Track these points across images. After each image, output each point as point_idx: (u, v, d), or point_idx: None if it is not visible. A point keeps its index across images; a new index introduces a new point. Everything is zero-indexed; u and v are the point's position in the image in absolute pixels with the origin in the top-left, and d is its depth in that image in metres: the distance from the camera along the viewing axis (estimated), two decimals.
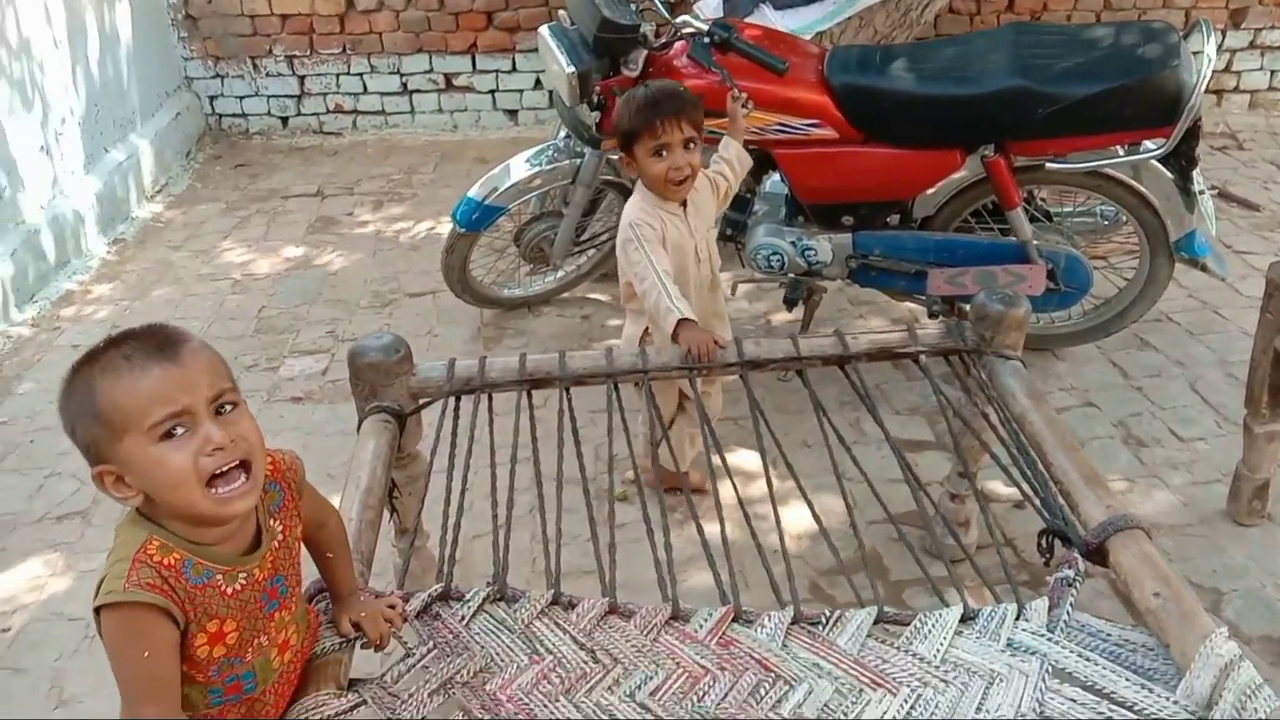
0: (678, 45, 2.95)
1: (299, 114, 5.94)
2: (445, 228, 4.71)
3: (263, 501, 1.31)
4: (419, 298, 4.15)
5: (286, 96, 5.89)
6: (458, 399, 2.09)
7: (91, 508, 2.93)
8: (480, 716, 1.38)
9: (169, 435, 1.16)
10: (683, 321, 2.18)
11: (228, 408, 1.20)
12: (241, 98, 5.90)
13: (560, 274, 3.95)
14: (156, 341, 1.18)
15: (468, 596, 1.60)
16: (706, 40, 2.80)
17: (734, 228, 3.30)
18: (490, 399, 2.10)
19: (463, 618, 1.56)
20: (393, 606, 1.53)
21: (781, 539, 1.73)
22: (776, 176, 3.20)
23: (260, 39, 5.71)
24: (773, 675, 1.45)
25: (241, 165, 5.65)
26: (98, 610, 1.19)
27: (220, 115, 5.95)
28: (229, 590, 1.26)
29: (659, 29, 2.96)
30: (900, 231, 3.19)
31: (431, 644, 1.52)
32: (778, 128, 2.96)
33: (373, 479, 1.86)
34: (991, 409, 2.06)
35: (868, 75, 2.98)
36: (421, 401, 2.13)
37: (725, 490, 1.86)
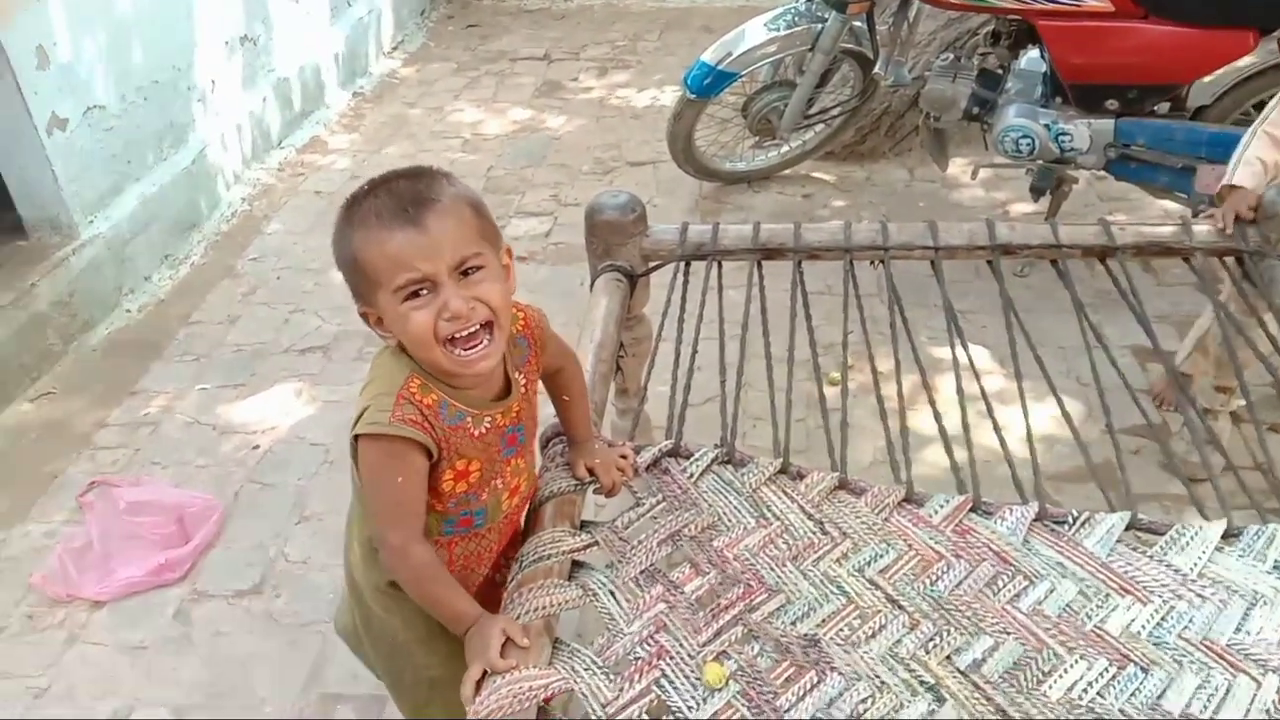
0: None
1: None
2: (668, 97, 4.68)
3: (509, 354, 1.33)
4: (639, 167, 4.14)
5: None
6: (688, 264, 2.07)
7: (332, 344, 3.11)
8: (707, 570, 1.39)
9: (414, 295, 1.18)
10: None
11: (474, 270, 1.20)
12: None
13: (785, 149, 3.84)
14: (408, 198, 1.18)
15: (696, 455, 1.60)
16: None
17: (981, 106, 3.09)
18: (720, 267, 2.06)
19: (691, 475, 1.56)
20: (625, 457, 1.54)
21: (1029, 433, 1.63)
22: (1035, 52, 2.96)
23: None
24: (1011, 569, 1.38)
25: (472, 26, 5.73)
26: (356, 437, 1.24)
27: None
28: (476, 432, 1.30)
29: None
30: (1170, 120, 2.91)
31: (660, 496, 1.53)
32: None
33: (605, 335, 1.87)
34: (1272, 317, 1.86)
35: None
36: (652, 263, 2.12)
37: (950, 383, 1.76)
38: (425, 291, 1.18)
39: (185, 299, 3.40)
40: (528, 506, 1.52)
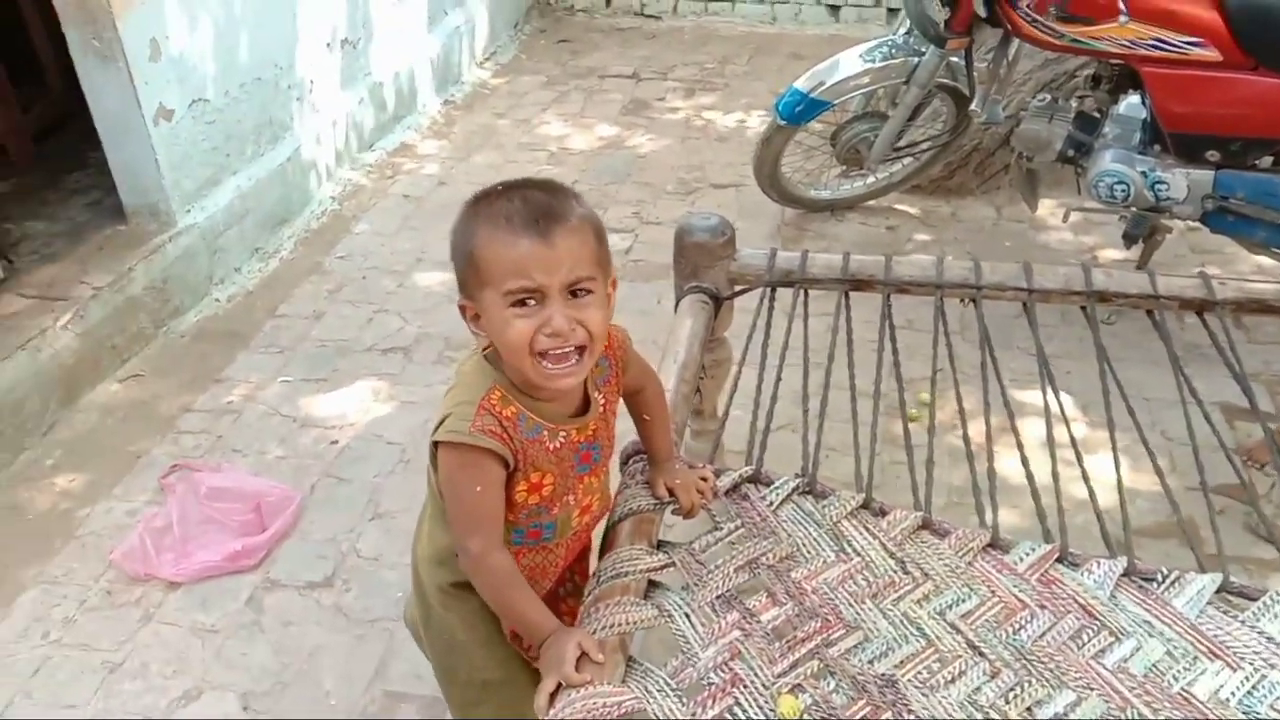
0: None
1: None
2: (754, 121, 4.68)
3: (591, 374, 1.34)
4: (722, 189, 4.15)
5: None
6: (773, 290, 2.07)
7: (413, 346, 3.16)
8: (784, 601, 1.38)
9: (520, 303, 1.19)
10: None
11: (582, 293, 1.21)
12: None
13: (871, 179, 3.82)
14: (540, 210, 1.19)
15: (777, 484, 1.59)
16: None
17: (1077, 149, 3.04)
18: (807, 295, 2.05)
19: (771, 503, 1.56)
20: (705, 479, 1.55)
21: (1120, 486, 1.60)
22: (1135, 98, 2.90)
23: None
24: (1097, 623, 1.35)
25: (564, 41, 5.80)
26: (435, 444, 1.27)
27: None
28: (551, 446, 1.31)
29: None
30: (1273, 175, 2.83)
31: (739, 522, 1.53)
32: (1152, 43, 2.67)
33: (689, 355, 1.88)
34: None
35: None
36: (739, 287, 2.12)
37: (1035, 428, 1.73)
38: (532, 302, 1.19)
39: (273, 292, 3.49)
40: (601, 526, 1.53)
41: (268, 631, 2.22)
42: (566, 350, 1.21)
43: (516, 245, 1.17)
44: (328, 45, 4.06)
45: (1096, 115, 3.05)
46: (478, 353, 1.32)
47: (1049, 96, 3.20)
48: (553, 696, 1.22)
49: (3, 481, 2.67)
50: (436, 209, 3.94)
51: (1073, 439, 1.70)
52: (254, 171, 3.65)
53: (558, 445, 1.32)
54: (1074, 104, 3.15)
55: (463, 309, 1.28)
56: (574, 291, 1.20)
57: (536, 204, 1.20)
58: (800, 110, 3.34)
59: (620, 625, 1.31)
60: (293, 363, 3.11)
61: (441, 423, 1.26)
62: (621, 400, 1.47)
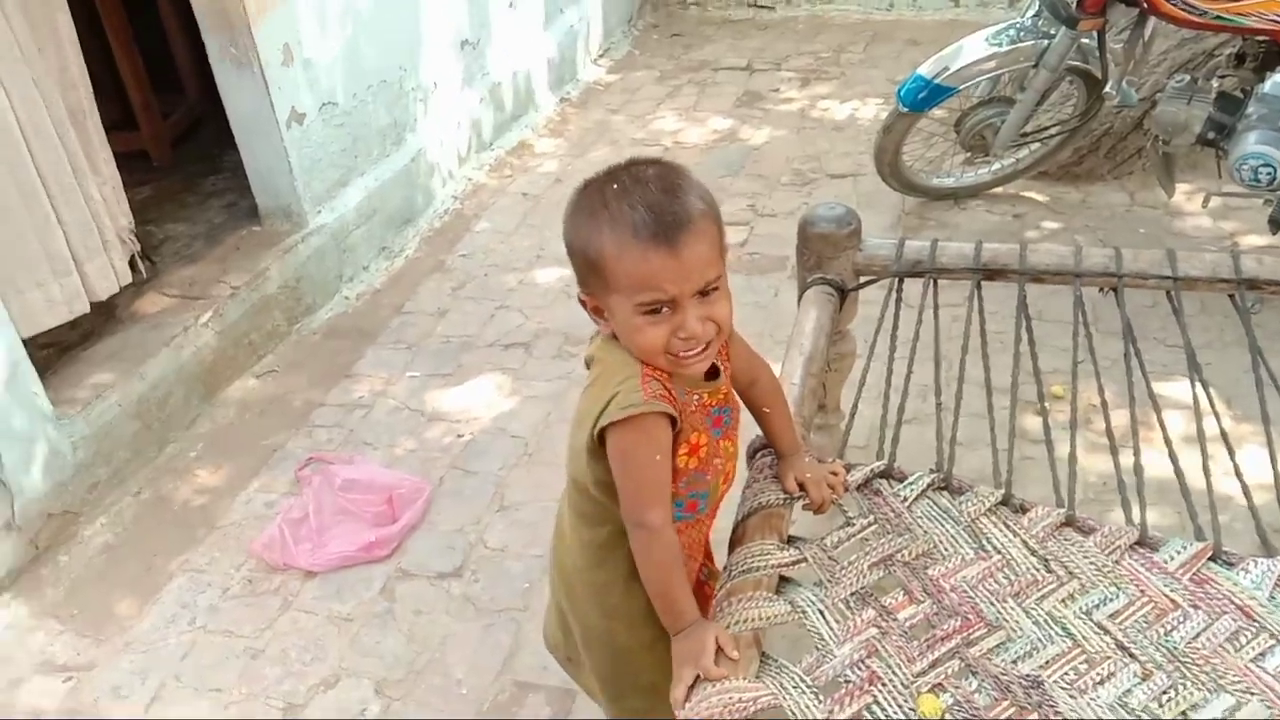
0: None
1: None
2: (870, 109, 4.60)
3: None
4: (839, 179, 4.08)
5: None
6: (901, 281, 2.02)
7: (533, 341, 3.21)
8: (921, 599, 1.35)
9: (652, 310, 1.20)
10: None
11: (711, 290, 1.22)
12: None
13: (996, 166, 3.71)
14: (665, 216, 1.17)
15: (911, 479, 1.56)
16: None
17: (1218, 130, 2.90)
18: (936, 285, 2.00)
19: (904, 498, 1.53)
20: (835, 474, 1.52)
21: (1278, 481, 1.52)
22: None
23: None
24: (1256, 625, 1.29)
25: (676, 35, 5.79)
26: (608, 426, 1.23)
27: None
28: (693, 407, 1.31)
29: None
30: None
31: (872, 518, 1.50)
32: None
33: (815, 348, 1.86)
34: None
35: None
36: (865, 279, 2.08)
37: (1177, 422, 1.66)
38: (665, 310, 1.20)
39: (399, 290, 3.58)
40: (733, 519, 1.52)
41: (400, 620, 2.28)
42: (699, 347, 1.23)
43: (646, 260, 1.17)
44: (449, 47, 4.15)
45: (1239, 95, 2.91)
46: (608, 340, 1.31)
47: (1187, 77, 3.06)
48: (690, 689, 1.21)
49: (149, 474, 2.81)
50: (554, 206, 3.99)
51: (1223, 432, 1.62)
52: (380, 172, 3.75)
53: (694, 408, 1.32)
54: (1214, 84, 3.00)
55: (583, 301, 1.29)
56: (704, 292, 1.21)
57: (660, 209, 1.17)
58: (924, 97, 3.26)
59: (754, 620, 1.30)
60: (419, 358, 3.19)
61: (608, 405, 1.24)
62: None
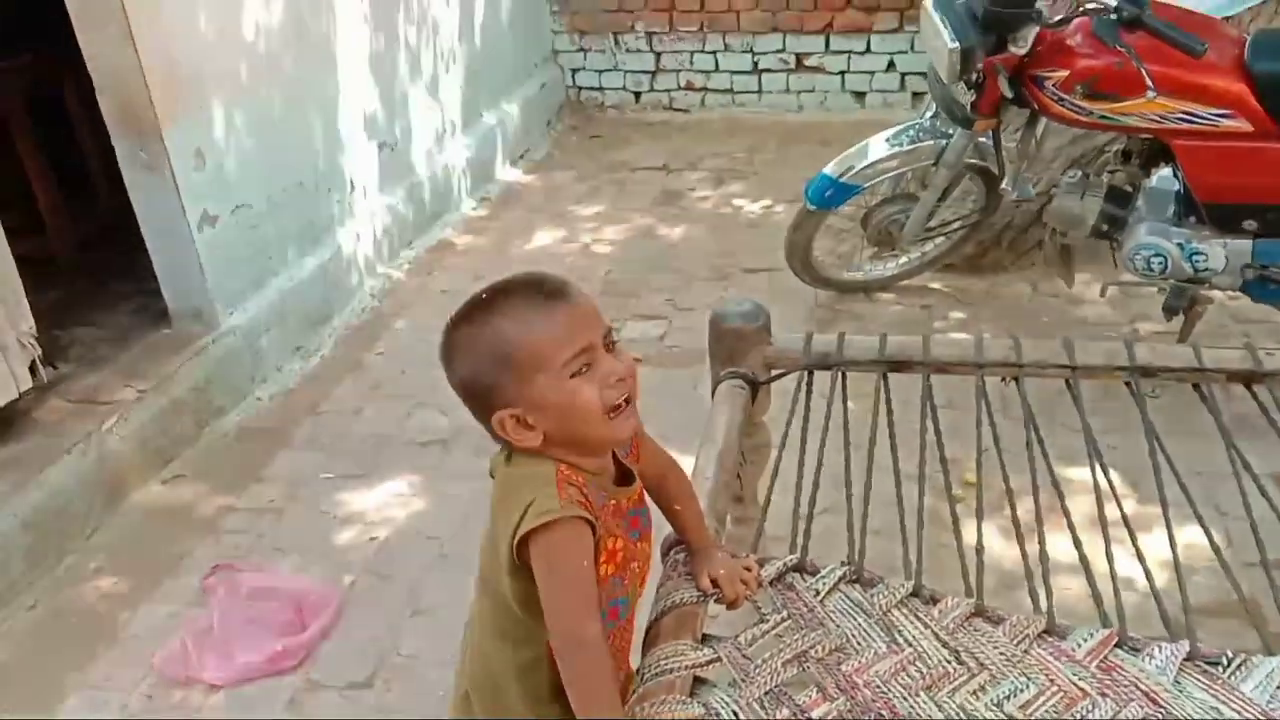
0: (1076, 22, 2.75)
1: (651, 90, 6.14)
2: (783, 207, 4.73)
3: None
4: (754, 274, 4.17)
5: (642, 72, 6.10)
6: (810, 373, 2.05)
7: (452, 439, 3.17)
8: (835, 696, 1.34)
9: (578, 372, 1.19)
10: None
11: (612, 344, 1.23)
12: (600, 71, 6.17)
13: (904, 260, 3.83)
14: (549, 287, 1.21)
15: (823, 573, 1.56)
16: (1114, 17, 2.57)
17: (1111, 223, 3.04)
18: (844, 378, 2.04)
19: (817, 593, 1.52)
20: (749, 569, 1.51)
21: (1177, 564, 1.55)
22: (1167, 171, 2.90)
23: (624, 15, 5.94)
24: (1162, 712, 1.30)
25: (596, 136, 5.92)
26: (524, 538, 1.19)
27: (580, 88, 6.26)
28: (610, 511, 1.29)
29: (1054, 3, 2.76)
30: None
31: (785, 614, 1.48)
32: (1181, 116, 2.68)
33: (728, 442, 1.86)
34: None
35: None
36: (775, 372, 2.11)
37: (1084, 506, 1.69)
38: (587, 367, 1.20)
39: (314, 390, 3.53)
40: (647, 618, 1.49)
41: None
42: (623, 399, 1.23)
43: (554, 317, 1.19)
44: (367, 149, 4.18)
45: (1129, 189, 3.05)
46: (516, 454, 1.28)
47: (1080, 172, 3.21)
48: None
49: (47, 586, 2.68)
50: None
51: (1124, 516, 1.65)
52: (296, 272, 3.73)
53: (614, 512, 1.30)
54: (1105, 179, 3.15)
55: (501, 424, 1.23)
56: (607, 345, 1.22)
57: (538, 282, 1.22)
58: (830, 195, 3.37)
59: None
60: (333, 459, 3.13)
61: (525, 514, 1.19)
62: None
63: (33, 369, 2.88)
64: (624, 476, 1.35)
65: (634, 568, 1.36)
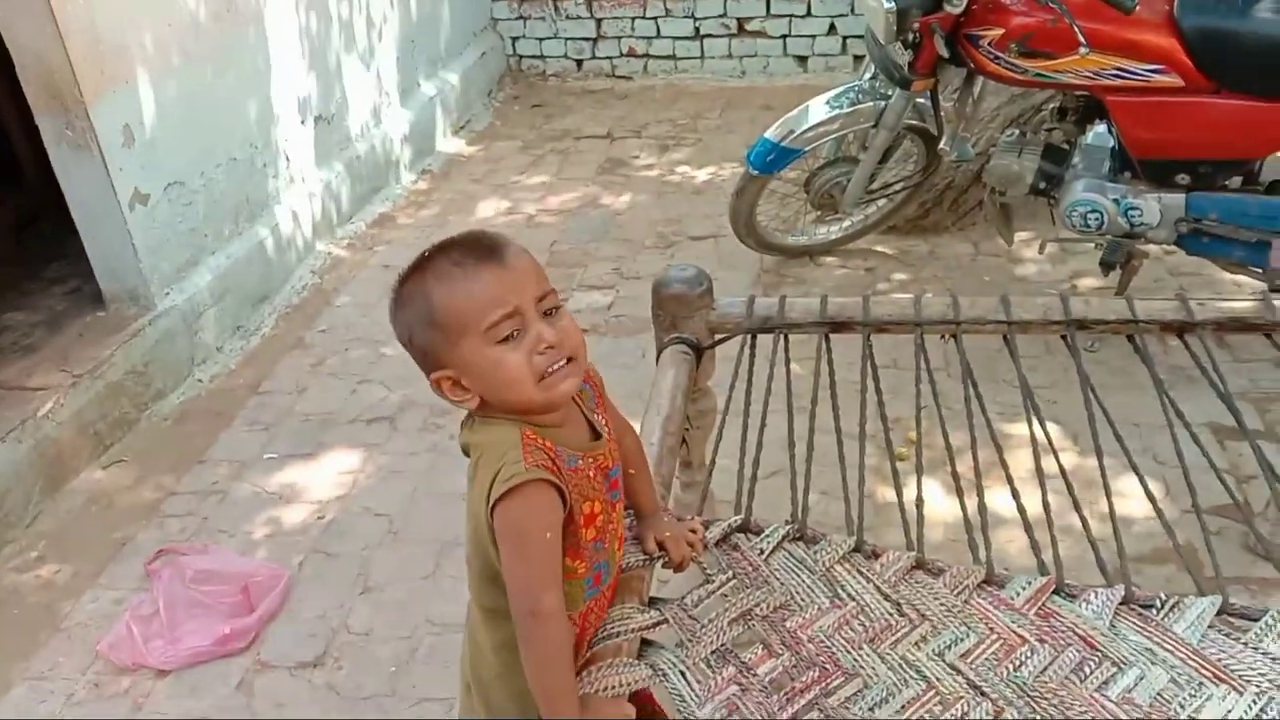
0: None
1: (593, 57, 6.07)
2: (728, 173, 4.72)
3: (580, 399, 1.31)
4: (700, 240, 4.16)
5: (583, 39, 6.03)
6: (754, 337, 2.06)
7: (397, 415, 3.14)
8: (780, 652, 1.35)
9: (505, 338, 1.17)
10: None
11: (553, 311, 1.21)
12: (541, 39, 6.09)
13: (847, 223, 3.84)
14: (482, 247, 1.20)
15: (767, 532, 1.57)
16: None
17: (1048, 180, 3.07)
18: (786, 340, 2.04)
19: (761, 551, 1.53)
20: (694, 531, 1.52)
21: (1112, 513, 1.58)
22: (1102, 127, 2.94)
23: None
24: (1098, 655, 1.33)
25: (537, 105, 5.86)
26: (495, 504, 1.17)
27: (520, 56, 6.17)
28: (589, 475, 1.26)
29: None
30: (1244, 194, 2.86)
31: (730, 573, 1.50)
32: (1114, 72, 2.71)
33: (673, 407, 1.86)
34: None
35: (1227, 17, 2.67)
36: (719, 336, 2.11)
37: (1024, 460, 1.72)
38: (515, 331, 1.17)
39: (255, 369, 3.47)
40: None
41: (260, 715, 2.17)
42: (561, 362, 1.20)
43: (479, 279, 1.17)
44: (302, 122, 4.09)
45: (1065, 147, 3.09)
46: (481, 420, 1.26)
47: (1017, 131, 3.24)
48: None
49: None
50: None
51: (1062, 469, 1.68)
52: (233, 250, 3.65)
53: (591, 473, 1.27)
54: (1042, 137, 3.18)
55: (437, 384, 1.22)
56: (545, 312, 1.20)
57: (476, 242, 1.20)
58: (771, 160, 3.37)
59: (615, 687, 1.28)
60: (276, 439, 3.08)
61: (493, 481, 1.17)
62: None
63: None
64: (595, 432, 1.32)
65: (612, 529, 1.32)
